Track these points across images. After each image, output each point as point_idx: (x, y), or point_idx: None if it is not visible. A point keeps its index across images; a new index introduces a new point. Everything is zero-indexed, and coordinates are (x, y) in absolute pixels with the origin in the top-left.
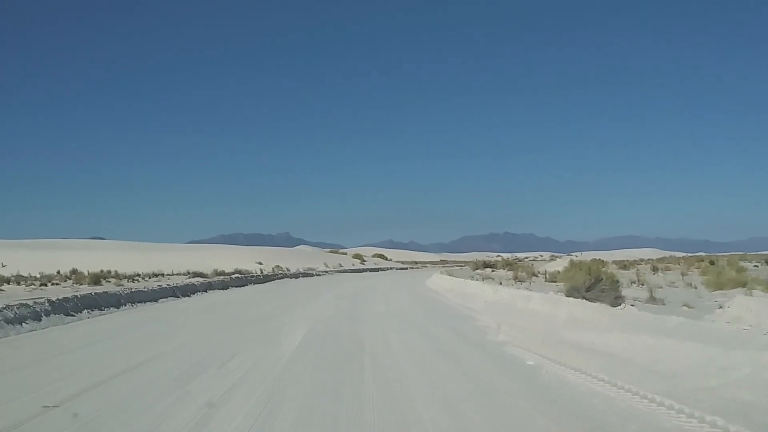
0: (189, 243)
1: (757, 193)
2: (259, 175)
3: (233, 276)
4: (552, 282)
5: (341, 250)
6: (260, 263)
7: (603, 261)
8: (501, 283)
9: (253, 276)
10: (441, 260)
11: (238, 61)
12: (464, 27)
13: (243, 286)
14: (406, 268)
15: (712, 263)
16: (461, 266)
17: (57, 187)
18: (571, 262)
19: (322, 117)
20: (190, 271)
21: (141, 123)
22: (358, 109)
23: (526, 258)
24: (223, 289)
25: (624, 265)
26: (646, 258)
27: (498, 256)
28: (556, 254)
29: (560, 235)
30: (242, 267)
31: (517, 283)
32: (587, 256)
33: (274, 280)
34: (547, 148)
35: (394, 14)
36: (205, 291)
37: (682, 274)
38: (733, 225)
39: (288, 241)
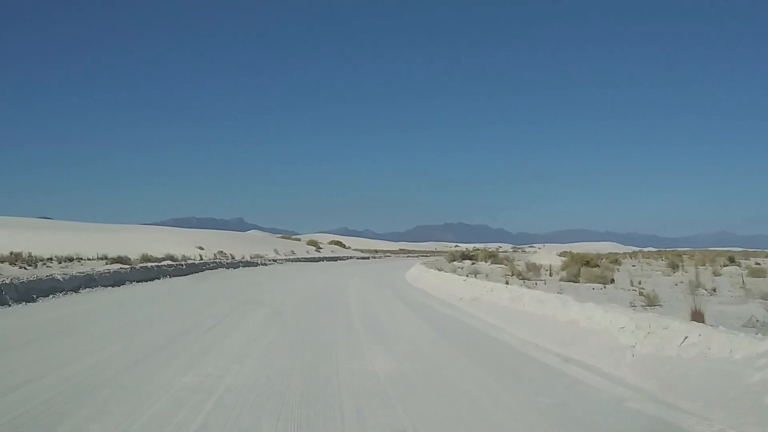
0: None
1: (701, 191)
2: (214, 160)
3: (161, 264)
4: (572, 281)
5: (294, 237)
6: (201, 248)
7: (598, 255)
8: (508, 282)
9: (174, 265)
10: (400, 249)
11: (199, 47)
12: (415, 25)
13: (152, 280)
14: (368, 258)
15: (732, 260)
16: (427, 256)
17: (12, 165)
18: (570, 255)
19: (280, 108)
20: (109, 257)
21: (99, 105)
22: (317, 100)
23: (499, 249)
24: (113, 285)
25: (615, 260)
26: (605, 252)
27: (456, 246)
28: (518, 246)
29: (513, 227)
30: (183, 252)
31: (524, 281)
32: (553, 248)
33: (203, 270)
34: (501, 143)
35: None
36: (75, 291)
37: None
38: (679, 221)
39: (241, 226)
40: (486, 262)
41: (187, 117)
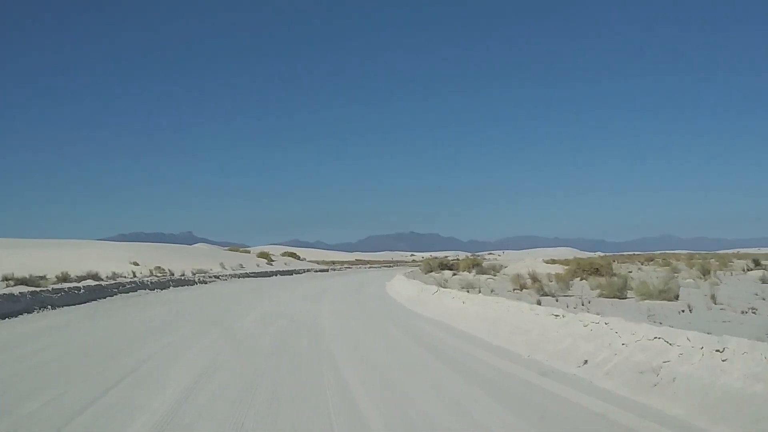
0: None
1: (645, 196)
2: (162, 175)
3: (74, 286)
4: (616, 296)
5: (243, 249)
6: (136, 264)
7: (591, 261)
8: (539, 302)
9: (69, 290)
10: (356, 259)
11: (143, 54)
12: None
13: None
14: (327, 270)
15: (757, 263)
16: (390, 266)
17: None
18: (576, 262)
19: (227, 120)
20: (16, 277)
21: (44, 116)
22: (263, 112)
23: (458, 257)
24: None
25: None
26: (570, 257)
27: (412, 255)
28: (477, 253)
29: (463, 235)
30: (115, 268)
31: (553, 299)
32: (512, 255)
33: (114, 294)
34: (449, 151)
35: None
36: None
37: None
38: (624, 225)
39: (190, 240)
40: (469, 272)
41: (139, 130)
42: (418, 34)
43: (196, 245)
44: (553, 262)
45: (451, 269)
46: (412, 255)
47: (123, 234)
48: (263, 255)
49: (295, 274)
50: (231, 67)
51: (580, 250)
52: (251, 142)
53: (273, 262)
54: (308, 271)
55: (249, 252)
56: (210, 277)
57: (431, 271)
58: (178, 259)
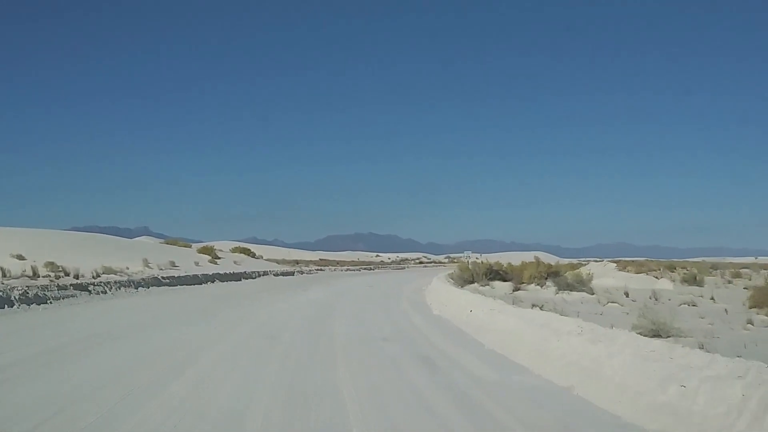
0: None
1: (601, 204)
2: (118, 167)
3: None
4: None
5: (182, 243)
6: (22, 258)
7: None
8: None
9: None
10: (320, 259)
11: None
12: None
13: None
14: (293, 273)
15: None
16: (371, 269)
17: None
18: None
19: (190, 114)
20: None
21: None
22: (225, 108)
23: (428, 259)
24: None
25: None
26: (546, 262)
27: (377, 255)
28: (452, 255)
29: (422, 237)
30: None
31: None
32: (492, 259)
33: None
34: (409, 152)
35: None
36: None
37: None
38: (580, 232)
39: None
40: (541, 285)
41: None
42: (378, 40)
43: (138, 239)
44: (624, 267)
45: (505, 280)
46: (377, 255)
47: (77, 227)
48: (206, 251)
49: (246, 279)
50: (196, 66)
51: (553, 254)
52: (211, 140)
53: (218, 260)
54: (265, 274)
55: (190, 246)
56: (110, 284)
57: (471, 282)
58: (87, 253)
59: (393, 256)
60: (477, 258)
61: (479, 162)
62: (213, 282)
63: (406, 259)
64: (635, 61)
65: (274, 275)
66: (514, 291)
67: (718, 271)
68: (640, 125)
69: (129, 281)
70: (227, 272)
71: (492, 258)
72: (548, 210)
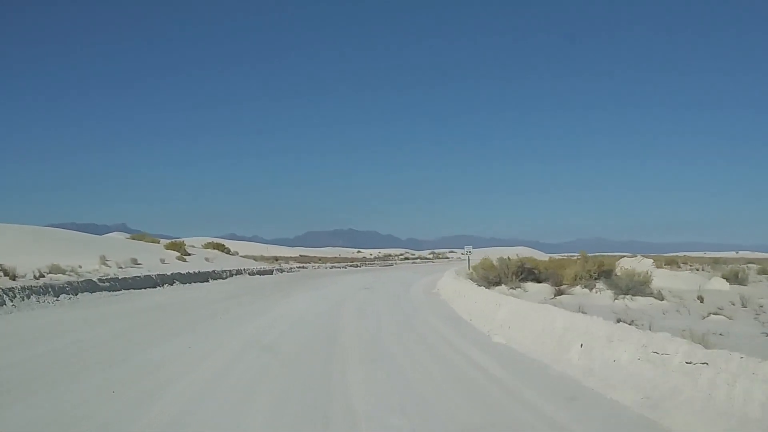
0: None
1: (578, 198)
2: (97, 163)
3: None
4: None
5: (150, 238)
6: None
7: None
8: None
9: None
10: (300, 255)
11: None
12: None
13: None
14: (271, 271)
15: None
16: (357, 266)
17: None
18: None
19: (171, 112)
20: None
21: None
22: (204, 106)
23: (413, 254)
24: None
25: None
26: (527, 256)
27: (359, 251)
28: (436, 251)
29: (401, 233)
30: None
31: None
32: (476, 254)
33: None
34: (387, 150)
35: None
36: None
37: None
38: (558, 228)
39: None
40: (589, 287)
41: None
42: (352, 30)
43: (108, 235)
44: (667, 264)
45: (539, 281)
46: (359, 251)
47: (53, 224)
48: (175, 246)
49: (215, 279)
50: (171, 55)
51: (542, 251)
52: (191, 136)
53: (188, 257)
54: (239, 273)
55: (158, 242)
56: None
57: (498, 283)
58: (53, 251)
59: (375, 252)
60: (470, 253)
61: (458, 159)
62: (171, 284)
63: (390, 255)
64: (617, 56)
65: (249, 274)
66: (555, 295)
67: (729, 266)
68: (617, 126)
69: (46, 287)
70: (194, 271)
71: (477, 254)
72: (526, 206)
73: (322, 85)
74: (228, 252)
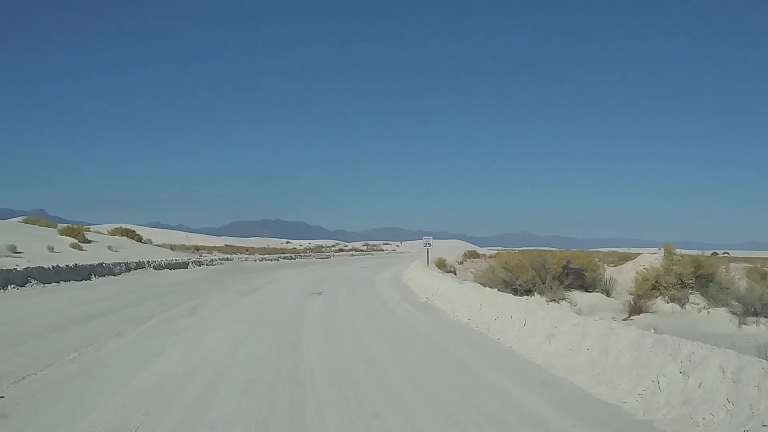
0: None
1: (503, 194)
2: (14, 146)
3: None
4: None
5: (43, 222)
6: None
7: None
8: None
9: None
10: (225, 245)
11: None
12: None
13: None
14: (187, 264)
15: None
16: (293, 258)
17: None
18: None
19: (93, 99)
20: None
21: None
22: (128, 94)
23: (350, 246)
24: None
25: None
26: (468, 250)
27: (288, 242)
28: (371, 243)
29: (329, 225)
30: None
31: None
32: (411, 247)
33: None
34: (316, 139)
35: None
36: None
37: None
38: (483, 221)
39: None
40: (679, 302)
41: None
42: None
43: (9, 220)
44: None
45: (586, 289)
46: (288, 242)
47: None
48: (71, 232)
49: (100, 277)
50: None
51: (471, 243)
52: (118, 123)
53: (88, 244)
54: (140, 267)
55: (55, 226)
56: None
57: (528, 292)
58: None
59: (304, 243)
60: (431, 245)
61: (384, 150)
62: (23, 285)
63: (323, 247)
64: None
65: (154, 268)
66: (631, 314)
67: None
68: (539, 125)
69: None
70: (72, 265)
71: (411, 246)
72: (451, 200)
73: (249, 77)
74: (139, 239)
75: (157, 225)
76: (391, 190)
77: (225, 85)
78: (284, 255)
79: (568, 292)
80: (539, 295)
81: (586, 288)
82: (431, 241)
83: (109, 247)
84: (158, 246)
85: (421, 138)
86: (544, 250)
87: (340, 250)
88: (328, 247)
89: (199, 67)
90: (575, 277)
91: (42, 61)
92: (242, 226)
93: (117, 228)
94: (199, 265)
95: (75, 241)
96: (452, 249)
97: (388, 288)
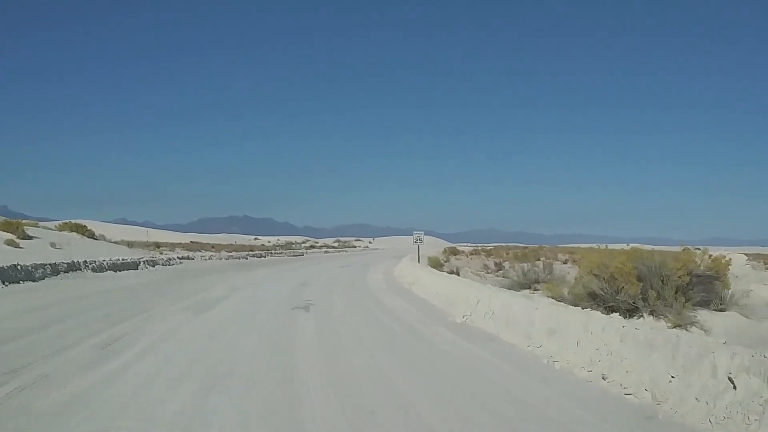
0: None
1: (471, 191)
2: None
3: None
4: None
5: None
6: None
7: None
8: None
9: None
10: (191, 242)
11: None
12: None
13: None
14: (137, 265)
15: None
16: (263, 255)
17: None
18: None
19: (60, 93)
20: None
21: None
22: (100, 93)
23: (319, 242)
24: None
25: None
26: (465, 249)
27: (256, 238)
28: (345, 239)
29: (298, 221)
30: None
31: None
32: (384, 243)
33: None
34: (282, 136)
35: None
36: None
37: None
38: (451, 218)
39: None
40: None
41: None
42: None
43: None
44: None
45: (707, 305)
46: (255, 238)
47: None
48: (8, 227)
49: (14, 283)
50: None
51: (441, 239)
52: (86, 120)
53: (28, 241)
54: (74, 269)
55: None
56: None
57: (632, 312)
58: None
59: (272, 239)
60: (421, 241)
61: (351, 146)
62: None
63: (293, 243)
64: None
65: (94, 270)
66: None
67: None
68: (509, 120)
69: None
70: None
71: (386, 243)
72: (419, 196)
73: (217, 74)
74: (91, 235)
75: (123, 222)
76: (360, 187)
77: (193, 83)
78: (253, 252)
79: (693, 312)
80: (652, 317)
81: (707, 303)
82: (422, 236)
83: (52, 245)
84: (114, 243)
85: (389, 136)
86: (655, 250)
87: (312, 246)
88: (298, 243)
89: (167, 66)
90: (702, 288)
91: (7, 58)
92: (209, 223)
93: (66, 223)
94: (153, 266)
95: (12, 237)
96: (428, 246)
97: (392, 296)
